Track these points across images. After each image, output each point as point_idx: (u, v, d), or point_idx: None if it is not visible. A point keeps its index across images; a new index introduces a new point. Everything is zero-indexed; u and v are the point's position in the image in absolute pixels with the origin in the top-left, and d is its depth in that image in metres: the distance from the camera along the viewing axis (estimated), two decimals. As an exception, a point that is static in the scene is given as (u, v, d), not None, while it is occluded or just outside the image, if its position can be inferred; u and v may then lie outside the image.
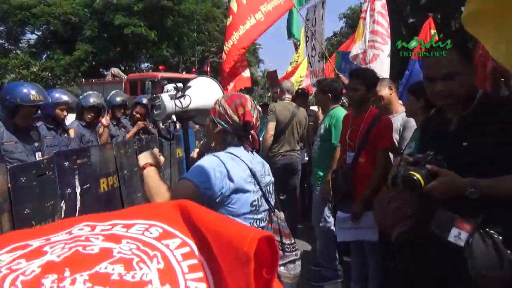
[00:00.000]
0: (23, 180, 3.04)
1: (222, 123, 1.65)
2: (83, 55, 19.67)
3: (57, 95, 3.91)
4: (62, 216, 3.61)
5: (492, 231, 1.41)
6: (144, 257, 0.44)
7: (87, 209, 3.89)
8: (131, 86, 13.37)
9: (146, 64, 26.03)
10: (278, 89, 4.71)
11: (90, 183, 3.96)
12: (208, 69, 23.05)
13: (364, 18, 5.25)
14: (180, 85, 2.60)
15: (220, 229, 0.47)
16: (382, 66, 4.96)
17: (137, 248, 0.45)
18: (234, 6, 4.49)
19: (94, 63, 20.90)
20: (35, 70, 19.98)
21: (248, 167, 1.62)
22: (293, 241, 1.72)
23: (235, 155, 1.61)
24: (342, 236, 2.93)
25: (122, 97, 4.77)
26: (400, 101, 3.43)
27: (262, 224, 1.64)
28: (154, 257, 0.44)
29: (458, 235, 1.46)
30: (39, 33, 21.95)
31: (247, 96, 1.80)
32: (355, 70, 2.90)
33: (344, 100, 4.02)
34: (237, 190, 1.55)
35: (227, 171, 1.54)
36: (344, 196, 2.87)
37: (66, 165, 3.74)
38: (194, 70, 20.29)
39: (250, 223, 1.59)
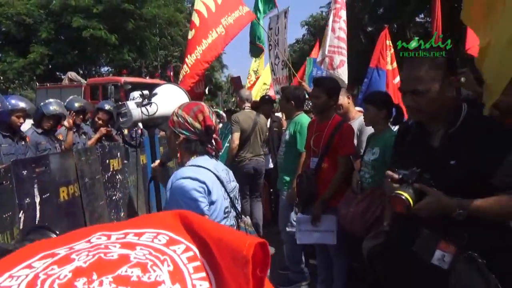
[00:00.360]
0: (-23, 191, 2.90)
1: (184, 132, 1.68)
2: (38, 58, 18.84)
3: (13, 101, 3.76)
4: (21, 227, 3.46)
5: (476, 254, 1.35)
6: (156, 261, 0.52)
7: (47, 219, 3.75)
8: (91, 91, 12.85)
9: (106, 68, 25.40)
10: (238, 98, 4.90)
11: (49, 192, 3.82)
12: (171, 73, 22.74)
13: (328, 26, 5.48)
14: (146, 92, 2.60)
15: (220, 236, 0.56)
16: (346, 72, 5.21)
17: (150, 254, 0.53)
18: (196, 20, 4.51)
19: (50, 66, 20.07)
20: (-15, 72, 18.94)
21: (216, 175, 1.66)
22: None
23: (202, 166, 1.64)
24: (302, 239, 3.02)
25: (81, 102, 4.67)
26: (359, 108, 3.61)
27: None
28: (165, 261, 0.53)
29: (442, 257, 1.41)
30: (-10, 34, 20.85)
31: (202, 103, 1.87)
32: (317, 78, 3.02)
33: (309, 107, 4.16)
34: (213, 201, 1.59)
35: (206, 186, 1.58)
36: (308, 200, 2.97)
37: (25, 174, 3.59)
38: (157, 75, 19.95)
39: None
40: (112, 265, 0.50)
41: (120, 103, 2.50)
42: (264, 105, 4.81)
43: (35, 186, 3.64)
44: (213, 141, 1.73)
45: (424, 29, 21.23)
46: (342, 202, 2.68)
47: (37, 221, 3.68)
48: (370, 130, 2.96)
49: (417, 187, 1.40)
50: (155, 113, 2.48)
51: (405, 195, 1.38)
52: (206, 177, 1.60)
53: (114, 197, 5.10)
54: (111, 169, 5.02)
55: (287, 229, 3.55)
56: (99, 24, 18.65)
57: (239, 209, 1.78)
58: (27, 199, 3.62)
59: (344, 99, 3.20)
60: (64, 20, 18.75)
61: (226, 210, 1.65)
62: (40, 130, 3.94)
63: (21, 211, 3.50)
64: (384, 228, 2.18)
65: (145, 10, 19.94)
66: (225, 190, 1.68)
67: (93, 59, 21.89)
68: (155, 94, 2.74)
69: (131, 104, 2.39)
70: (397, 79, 5.27)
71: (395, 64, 5.71)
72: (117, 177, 5.21)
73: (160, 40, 22.67)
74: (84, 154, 3.92)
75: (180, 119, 1.68)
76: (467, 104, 1.57)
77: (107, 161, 4.89)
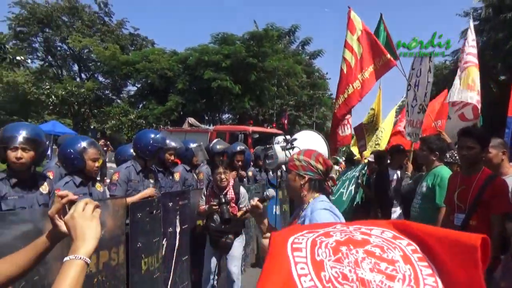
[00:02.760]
0: (139, 216, 3.36)
1: (309, 173, 1.94)
2: (174, 106, 21.53)
3: (167, 141, 4.32)
4: (163, 253, 3.87)
5: None
6: (390, 246, 0.66)
7: (185, 248, 4.13)
8: (218, 137, 14.11)
9: (226, 115, 27.68)
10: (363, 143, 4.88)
11: (188, 223, 4.23)
12: (286, 121, 23.64)
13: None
14: (289, 137, 2.78)
15: (445, 234, 0.69)
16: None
17: (383, 241, 0.67)
18: (344, 68, 4.75)
19: (182, 112, 22.73)
20: (132, 117, 22.28)
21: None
22: None
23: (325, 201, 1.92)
24: None
25: (223, 145, 5.18)
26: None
27: None
28: (395, 248, 0.66)
29: None
30: (139, 85, 24.74)
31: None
32: (468, 128, 2.83)
33: (448, 156, 3.85)
34: None
35: (339, 218, 1.81)
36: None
37: (170, 205, 4.06)
38: (274, 125, 21.04)
39: None
40: (359, 243, 0.65)
41: (268, 146, 2.72)
42: (396, 154, 4.66)
43: (178, 217, 4.07)
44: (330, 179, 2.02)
45: None
46: (501, 271, 2.33)
47: (175, 249, 4.08)
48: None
49: None
50: (298, 157, 2.61)
51: None
52: (334, 209, 1.86)
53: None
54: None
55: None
56: (226, 76, 20.65)
57: None
58: (170, 228, 4.05)
59: (497, 152, 2.91)
60: (197, 73, 21.28)
61: None
62: (188, 168, 4.45)
63: (164, 239, 3.93)
64: None
65: (267, 63, 21.46)
66: None
67: (217, 107, 24.11)
68: (295, 139, 2.88)
69: (277, 148, 2.56)
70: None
71: None
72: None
73: (277, 90, 23.99)
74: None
75: (303, 163, 1.96)
76: None
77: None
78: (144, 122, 21.50)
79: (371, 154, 6.14)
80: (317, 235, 0.67)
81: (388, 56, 4.77)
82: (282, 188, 7.19)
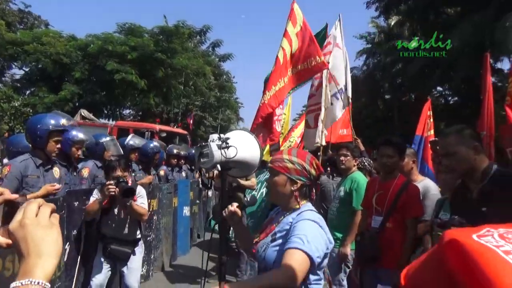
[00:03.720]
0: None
1: (302, 178, 1.72)
2: (69, 96, 19.54)
3: (74, 132, 3.85)
4: (65, 259, 3.40)
5: None
6: None
7: (90, 254, 3.69)
8: (119, 134, 13.11)
9: (128, 111, 26.12)
10: None
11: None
12: (191, 121, 23.29)
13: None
14: (223, 135, 2.66)
15: None
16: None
17: None
18: (281, 57, 4.69)
19: (78, 104, 20.74)
20: (16, 104, 19.58)
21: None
22: None
23: (318, 215, 1.70)
24: None
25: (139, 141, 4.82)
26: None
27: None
28: None
29: None
30: (27, 69, 21.85)
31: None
32: (388, 138, 3.06)
33: (366, 163, 4.15)
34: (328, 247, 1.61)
35: (325, 233, 1.62)
36: (370, 259, 2.88)
37: (76, 205, 3.60)
38: (179, 125, 20.54)
39: (322, 272, 1.63)
40: None
41: (203, 143, 2.55)
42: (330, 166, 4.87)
43: (83, 218, 3.63)
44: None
45: (444, 99, 21.73)
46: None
47: (79, 255, 3.63)
48: (434, 195, 2.96)
49: None
50: (233, 156, 2.50)
51: None
52: (324, 225, 1.66)
53: (148, 238, 5.03)
54: (151, 209, 5.00)
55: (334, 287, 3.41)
56: (131, 69, 19.48)
57: None
58: (74, 231, 3.60)
59: (409, 161, 3.21)
60: (99, 62, 19.67)
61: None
62: (100, 164, 4.00)
63: (68, 243, 3.47)
64: None
65: (176, 61, 20.86)
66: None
67: (119, 101, 22.60)
68: (228, 138, 2.78)
69: (213, 146, 2.43)
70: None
71: (432, 132, 5.90)
72: (154, 217, 5.17)
73: (184, 89, 23.46)
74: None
75: (297, 166, 1.73)
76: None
77: (149, 200, 4.89)
78: (31, 111, 19.01)
79: None
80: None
81: (323, 58, 4.96)
82: (194, 189, 7.02)
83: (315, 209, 1.71)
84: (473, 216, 1.72)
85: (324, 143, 5.98)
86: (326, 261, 1.63)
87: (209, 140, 2.68)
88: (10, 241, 0.77)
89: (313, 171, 1.73)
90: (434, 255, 0.47)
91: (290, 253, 1.47)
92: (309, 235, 1.53)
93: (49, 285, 0.70)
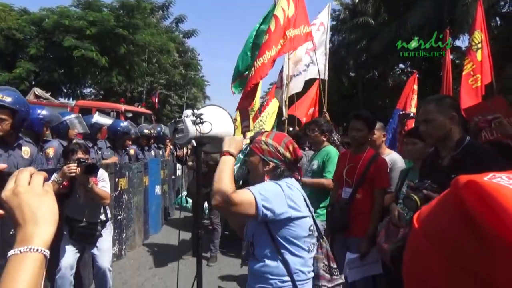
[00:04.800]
0: None
1: (275, 160, 1.77)
2: (24, 74, 18.45)
3: (45, 112, 3.73)
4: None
5: None
6: None
7: (55, 234, 3.60)
8: (80, 113, 12.61)
9: (89, 90, 25.06)
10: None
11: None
12: (156, 100, 22.75)
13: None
14: (197, 111, 2.64)
15: None
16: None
17: None
18: (272, 25, 4.56)
19: (34, 83, 19.65)
20: (-35, 83, 18.30)
21: (302, 194, 1.72)
22: (336, 265, 1.80)
23: (291, 184, 1.72)
24: (352, 276, 2.93)
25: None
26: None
27: (314, 248, 1.72)
28: None
29: None
30: (-25, 46, 20.33)
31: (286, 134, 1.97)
32: (359, 112, 3.14)
33: (335, 138, 4.25)
34: (298, 215, 1.63)
35: (287, 197, 1.64)
36: (339, 229, 3.01)
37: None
38: (143, 104, 19.98)
39: (307, 247, 1.67)
40: None
41: (178, 119, 2.53)
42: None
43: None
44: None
45: (406, 76, 22.42)
46: (383, 237, 2.68)
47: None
48: (400, 167, 3.10)
49: (425, 193, 1.84)
50: (208, 132, 2.50)
51: (415, 197, 1.83)
52: (291, 193, 1.67)
53: (119, 217, 4.96)
54: (119, 188, 4.92)
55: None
56: (91, 46, 18.58)
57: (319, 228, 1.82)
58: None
59: (380, 134, 3.33)
60: (56, 38, 18.61)
61: (310, 228, 1.69)
62: (65, 143, 3.85)
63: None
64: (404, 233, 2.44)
65: (138, 37, 20.08)
66: (309, 210, 1.73)
67: (79, 80, 21.61)
68: (202, 113, 2.76)
69: (188, 121, 2.41)
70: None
71: (414, 109, 5.83)
72: (124, 196, 5.09)
73: (147, 66, 22.75)
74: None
75: (270, 148, 1.78)
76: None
77: (117, 179, 4.81)
78: (-18, 90, 17.86)
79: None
80: None
81: (310, 28, 4.94)
82: (164, 168, 6.94)
83: (293, 183, 1.74)
84: (442, 183, 1.79)
85: (286, 115, 6.13)
86: (299, 230, 1.65)
87: (183, 116, 2.66)
88: (2, 212, 0.76)
89: (288, 154, 1.77)
90: (448, 198, 0.50)
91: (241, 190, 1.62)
92: (264, 187, 1.64)
93: (48, 252, 0.70)
